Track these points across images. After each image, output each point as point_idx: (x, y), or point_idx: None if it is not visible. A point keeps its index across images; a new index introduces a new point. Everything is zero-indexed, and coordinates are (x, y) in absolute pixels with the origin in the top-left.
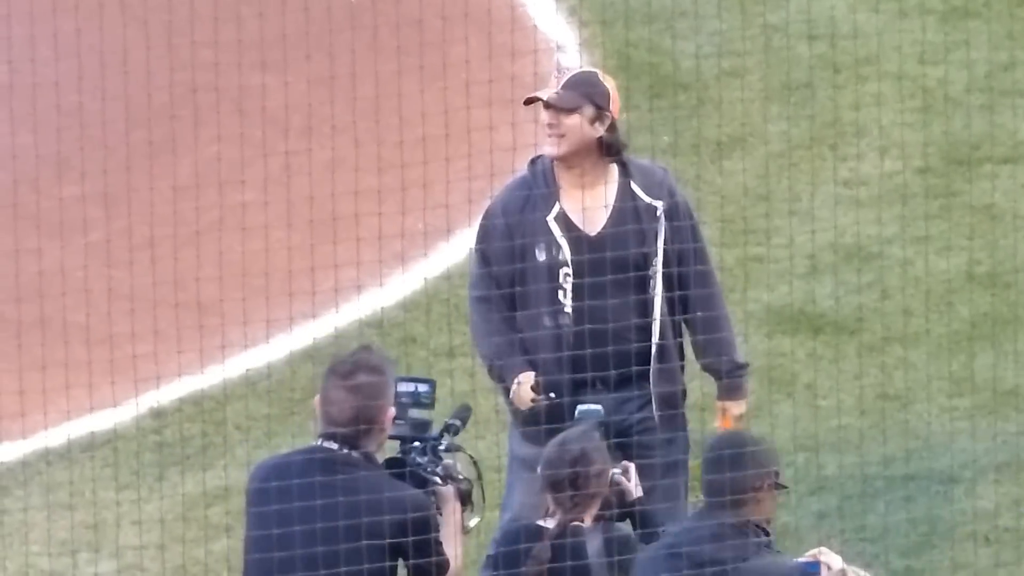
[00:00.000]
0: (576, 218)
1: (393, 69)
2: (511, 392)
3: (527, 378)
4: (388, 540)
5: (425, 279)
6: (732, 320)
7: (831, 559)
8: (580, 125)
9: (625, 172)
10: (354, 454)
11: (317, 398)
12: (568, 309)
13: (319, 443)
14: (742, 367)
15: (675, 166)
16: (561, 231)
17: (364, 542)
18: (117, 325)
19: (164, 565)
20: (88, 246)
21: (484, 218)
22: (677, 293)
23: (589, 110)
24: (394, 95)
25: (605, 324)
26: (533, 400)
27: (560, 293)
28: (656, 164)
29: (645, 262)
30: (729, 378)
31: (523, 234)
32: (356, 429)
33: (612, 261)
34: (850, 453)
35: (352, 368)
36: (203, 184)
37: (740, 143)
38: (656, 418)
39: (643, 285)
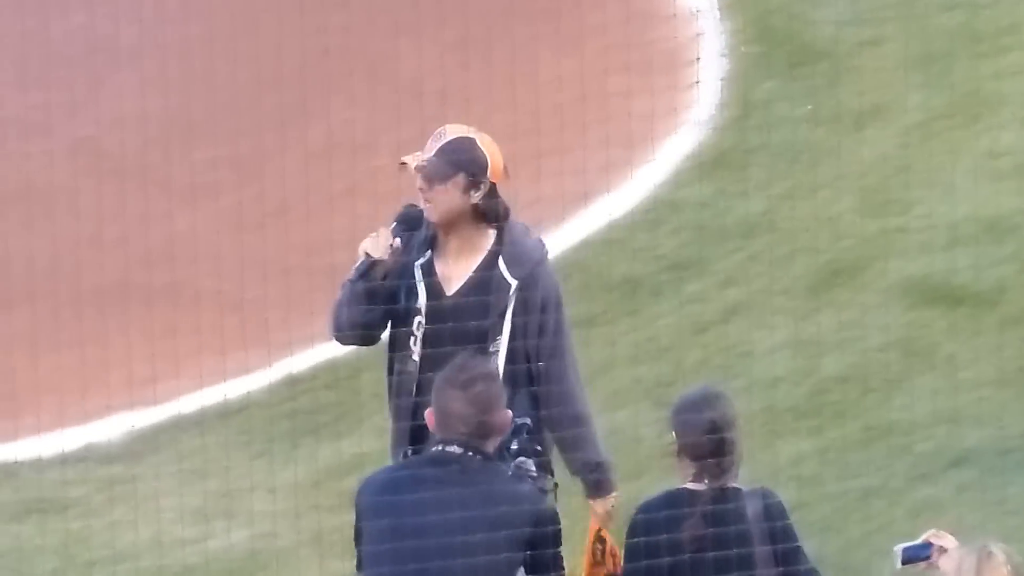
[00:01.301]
0: (440, 270)
1: (529, 34)
2: (364, 251)
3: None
4: (520, 532)
5: (562, 247)
6: (589, 412)
7: (945, 541)
8: (451, 195)
9: (499, 241)
10: (478, 457)
11: (429, 411)
12: (416, 356)
13: (440, 449)
14: (602, 464)
15: (815, 136)
16: (423, 279)
17: (501, 534)
18: (250, 291)
19: (299, 534)
20: (220, 211)
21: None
22: (532, 366)
23: (461, 179)
24: (530, 60)
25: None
26: (391, 246)
27: (411, 340)
28: (534, 238)
29: (486, 335)
30: (591, 475)
31: (397, 275)
32: (477, 433)
33: (458, 328)
34: (991, 425)
35: (470, 378)
36: (336, 150)
37: (880, 113)
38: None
39: (488, 356)
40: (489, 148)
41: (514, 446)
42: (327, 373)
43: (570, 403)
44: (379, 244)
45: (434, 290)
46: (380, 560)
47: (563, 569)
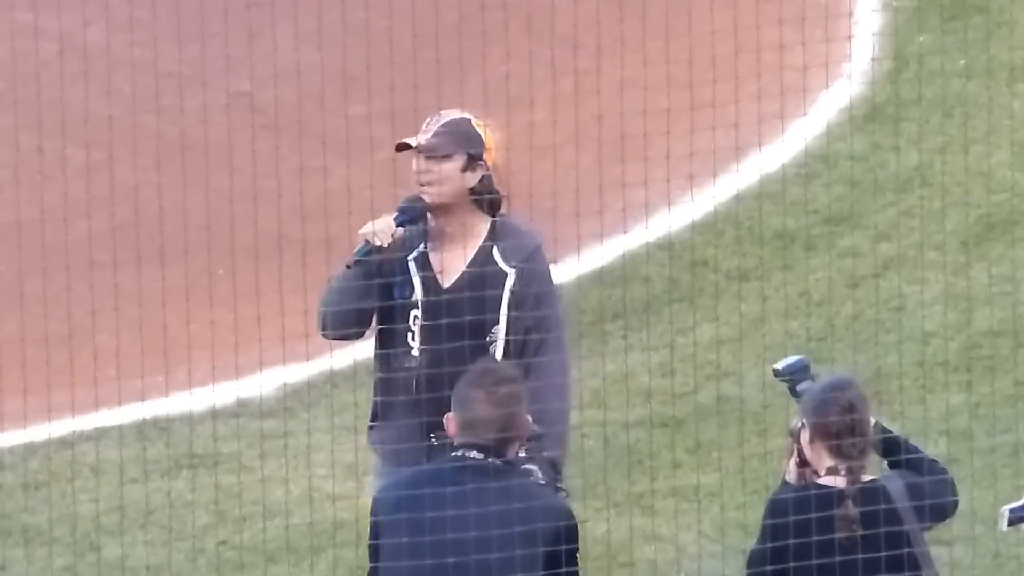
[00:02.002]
0: (435, 264)
1: None
2: (364, 237)
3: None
4: (543, 549)
5: (715, 201)
6: (565, 408)
7: None
8: (451, 174)
9: (492, 232)
10: (499, 462)
11: (449, 416)
12: (415, 352)
13: (460, 453)
14: (555, 463)
15: (968, 90)
16: (418, 273)
17: (521, 551)
18: None
19: None
20: (374, 166)
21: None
22: (526, 361)
23: (461, 158)
24: (684, 13)
25: (449, 381)
26: (393, 235)
27: (409, 335)
28: (530, 228)
29: (483, 329)
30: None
31: (391, 271)
32: (500, 438)
33: (453, 323)
34: None
35: (495, 380)
36: (491, 104)
37: None
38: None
39: (483, 350)
40: (485, 130)
41: (522, 452)
42: None
43: (550, 399)
44: (383, 232)
45: (430, 284)
46: (401, 573)
47: None
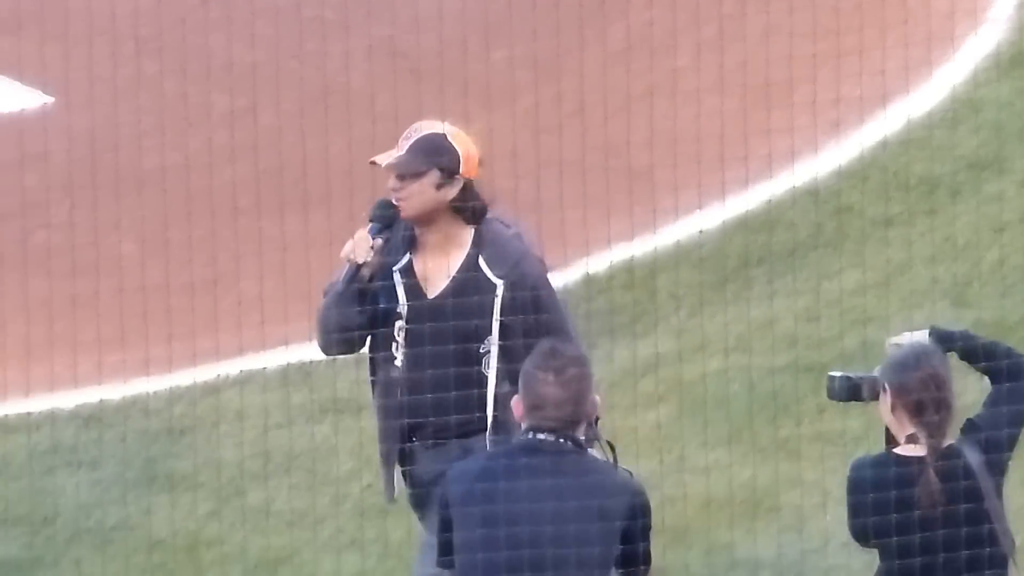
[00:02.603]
0: (420, 273)
1: None
2: (346, 258)
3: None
4: (619, 523)
5: (861, 147)
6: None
7: None
8: (423, 191)
9: (478, 241)
10: (570, 444)
11: (516, 399)
12: (398, 362)
13: (531, 436)
14: None
15: None
16: (403, 282)
17: (598, 525)
18: (546, 191)
19: None
20: (517, 112)
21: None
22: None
23: (435, 175)
24: None
25: (431, 388)
26: (372, 247)
27: (394, 345)
28: (515, 232)
29: (476, 335)
30: None
31: (378, 277)
32: (569, 419)
33: (443, 330)
34: None
35: (563, 363)
36: (635, 50)
37: None
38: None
39: (476, 357)
40: (462, 144)
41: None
42: (624, 273)
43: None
44: (360, 248)
45: (414, 292)
46: (473, 546)
47: (651, 563)
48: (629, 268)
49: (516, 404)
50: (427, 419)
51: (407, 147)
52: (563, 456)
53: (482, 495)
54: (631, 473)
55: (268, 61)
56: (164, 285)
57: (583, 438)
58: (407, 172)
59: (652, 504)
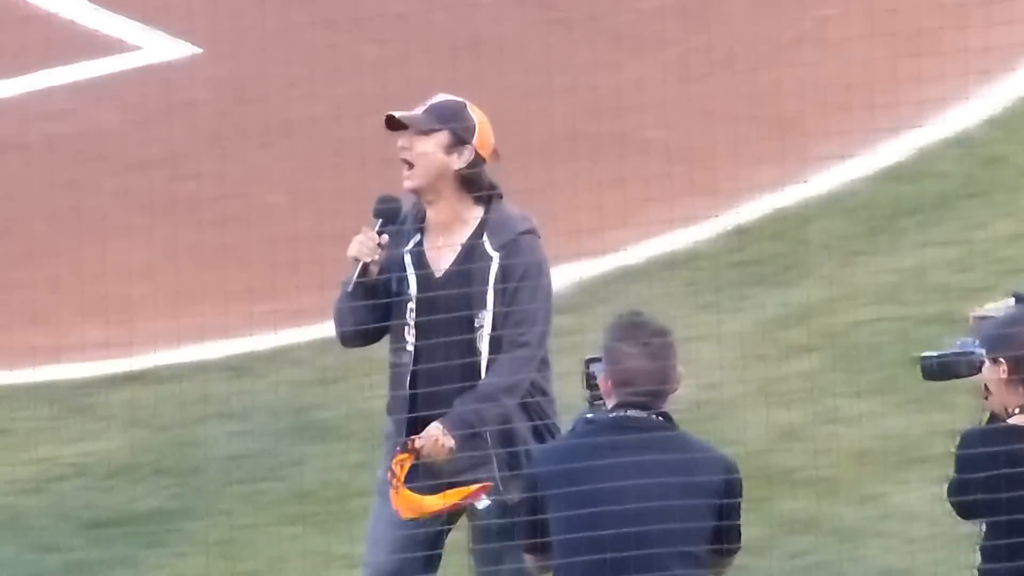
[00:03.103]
0: (430, 256)
1: None
2: (353, 257)
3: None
4: (716, 500)
5: (1013, 96)
6: (509, 386)
7: None
8: (433, 151)
9: (483, 223)
10: (661, 419)
11: (603, 377)
12: (410, 347)
13: (624, 412)
14: (465, 417)
15: None
16: (413, 267)
17: (699, 501)
18: (697, 140)
19: (744, 384)
20: (667, 61)
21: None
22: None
23: (444, 136)
24: None
25: (441, 363)
26: (380, 244)
27: (406, 330)
28: (523, 218)
29: (469, 305)
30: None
31: (388, 268)
32: (658, 391)
33: (449, 300)
34: None
35: (648, 334)
36: None
37: None
38: (494, 459)
39: (472, 329)
40: (479, 117)
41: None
42: (775, 223)
43: (500, 373)
44: (366, 247)
45: (425, 279)
46: (576, 526)
47: (741, 541)
48: (780, 218)
49: (603, 381)
50: (433, 410)
51: (423, 108)
52: (656, 432)
53: (581, 473)
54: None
55: (417, 11)
56: (313, 235)
57: (666, 410)
58: (419, 128)
59: (806, 453)
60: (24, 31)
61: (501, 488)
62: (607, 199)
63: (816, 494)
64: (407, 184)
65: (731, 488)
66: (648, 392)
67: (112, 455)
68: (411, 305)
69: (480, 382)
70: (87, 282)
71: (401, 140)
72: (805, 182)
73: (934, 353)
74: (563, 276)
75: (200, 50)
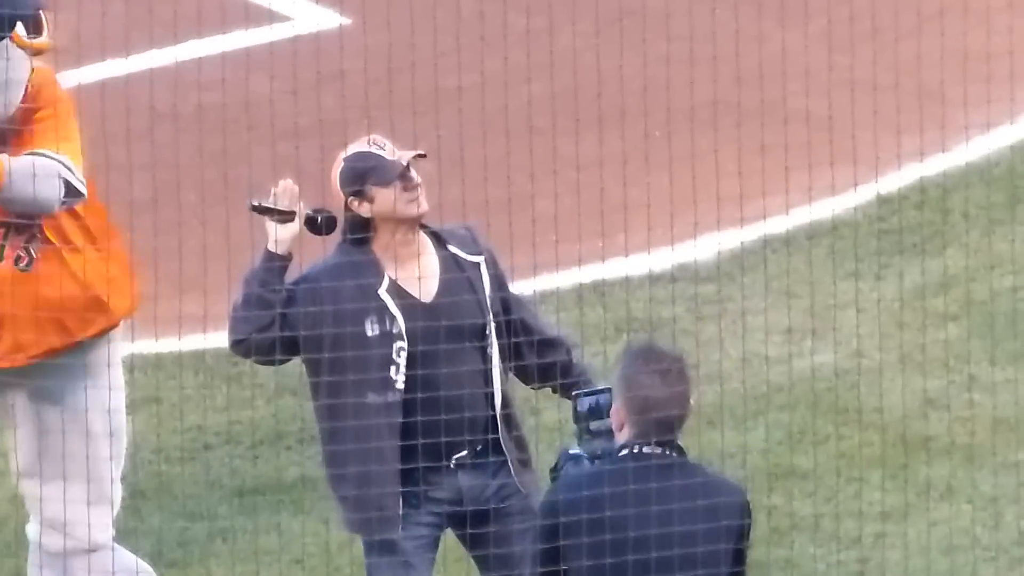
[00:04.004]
0: (409, 287)
1: None
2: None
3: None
4: (732, 546)
5: None
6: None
7: None
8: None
9: (439, 239)
10: (674, 454)
11: (615, 409)
12: (400, 385)
13: (637, 450)
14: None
15: None
16: (393, 300)
17: (723, 546)
18: (838, 110)
19: (886, 353)
20: (811, 31)
21: (303, 281)
22: (512, 340)
23: None
24: None
25: (447, 392)
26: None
27: (392, 368)
28: (458, 225)
29: (482, 331)
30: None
31: (346, 307)
32: (676, 423)
33: (449, 330)
34: None
35: (669, 363)
36: None
37: None
38: (517, 483)
39: (482, 353)
40: None
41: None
42: (916, 192)
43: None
44: (286, 195)
45: (410, 308)
46: (598, 553)
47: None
48: (921, 187)
49: (617, 412)
50: (464, 436)
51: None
52: (676, 472)
53: (602, 501)
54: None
55: None
56: (461, 203)
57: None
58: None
59: (945, 420)
60: (178, 1)
61: (521, 488)
62: (749, 167)
63: (953, 463)
64: (424, 209)
65: (748, 532)
66: (666, 421)
67: (259, 424)
68: (400, 344)
69: (565, 359)
70: (238, 251)
71: (414, 178)
72: (948, 152)
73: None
74: (705, 245)
75: (348, 21)
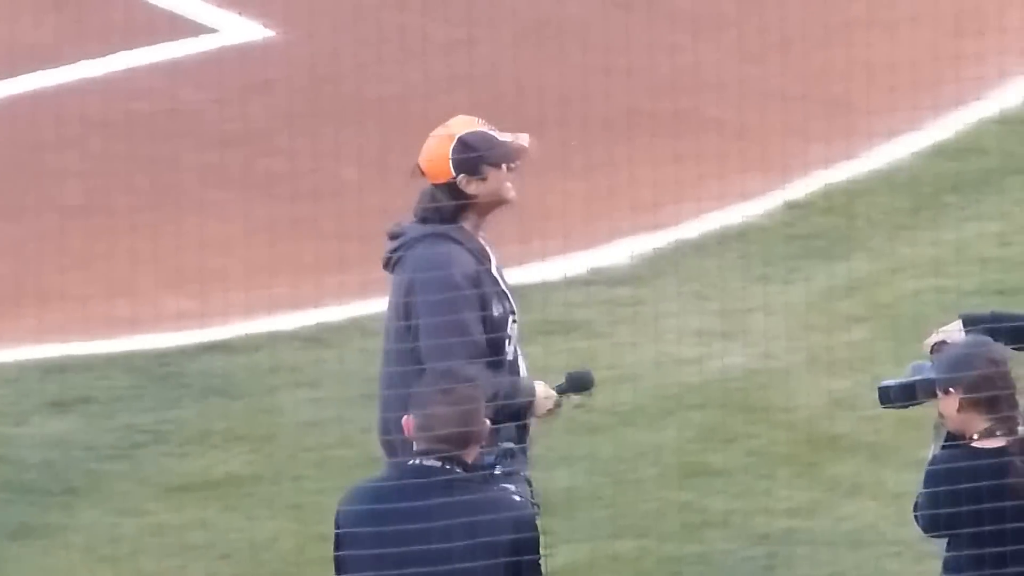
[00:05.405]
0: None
1: None
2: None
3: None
4: (504, 559)
5: None
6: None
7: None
8: None
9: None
10: (457, 469)
11: (407, 418)
12: (510, 358)
13: (417, 461)
14: None
15: None
16: (502, 282)
17: (483, 562)
18: (749, 118)
19: (794, 354)
20: (722, 43)
21: (458, 267)
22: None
23: None
24: None
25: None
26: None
27: (507, 342)
28: None
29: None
30: None
31: (482, 287)
32: (458, 443)
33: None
34: None
35: (451, 381)
36: None
37: None
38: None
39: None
40: None
41: (497, 471)
42: (823, 199)
43: None
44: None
45: (510, 291)
46: (361, 568)
47: None
48: (829, 193)
49: (407, 423)
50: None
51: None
52: (452, 488)
53: (369, 517)
54: (538, 509)
55: None
56: (382, 209)
57: (471, 462)
58: None
59: (853, 419)
60: (108, 13)
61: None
62: (663, 175)
63: (860, 459)
64: (515, 197)
65: (522, 547)
66: (447, 439)
67: (188, 422)
68: (512, 318)
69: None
70: (165, 255)
71: (519, 163)
72: (854, 159)
73: (892, 381)
74: (620, 250)
75: (273, 33)
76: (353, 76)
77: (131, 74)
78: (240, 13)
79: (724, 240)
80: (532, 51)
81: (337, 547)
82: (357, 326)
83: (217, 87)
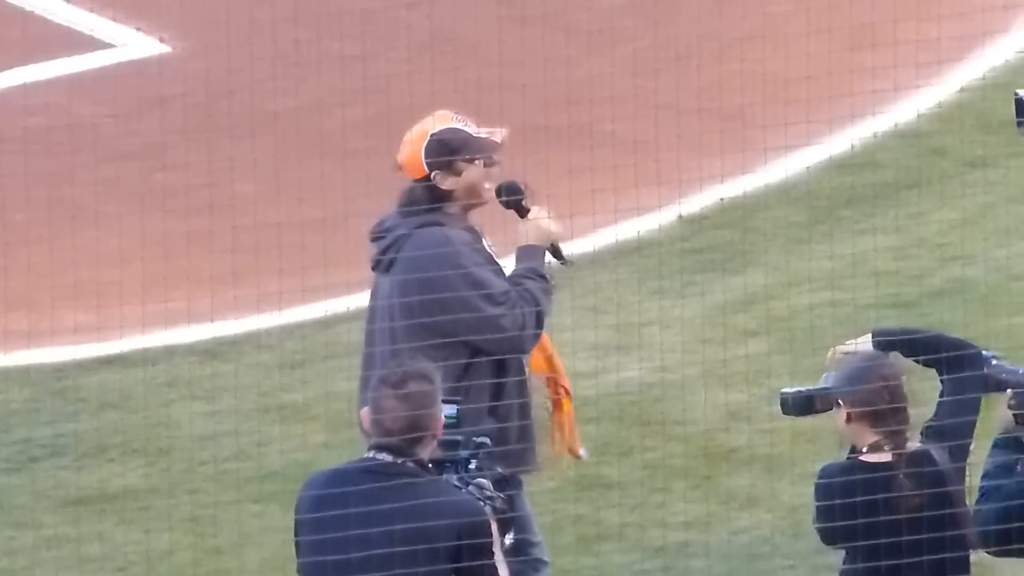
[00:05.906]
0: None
1: None
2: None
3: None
4: (445, 545)
5: (951, 89)
6: None
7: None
8: None
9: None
10: (409, 464)
11: (365, 411)
12: None
13: (371, 455)
14: None
15: None
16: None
17: (422, 547)
18: (645, 132)
19: (689, 368)
20: (617, 57)
21: (459, 242)
22: None
23: None
24: None
25: None
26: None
27: None
28: None
29: None
30: None
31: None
32: (409, 438)
33: None
34: None
35: (403, 377)
36: None
37: None
38: None
39: None
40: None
41: (472, 465)
42: (717, 213)
43: None
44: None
45: None
46: (311, 554)
47: None
48: (725, 207)
49: (364, 416)
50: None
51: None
52: (397, 479)
53: (323, 505)
54: (486, 491)
55: (378, 8)
56: (277, 224)
57: (425, 456)
58: None
59: (748, 433)
60: (4, 29)
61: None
62: (558, 190)
63: (754, 473)
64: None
65: (467, 531)
66: (399, 434)
67: (85, 436)
68: None
69: None
70: (61, 269)
71: (498, 157)
72: (749, 173)
73: (792, 389)
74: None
75: (170, 48)
76: (248, 91)
77: (28, 89)
78: (137, 28)
79: (619, 254)
80: (426, 66)
81: (296, 532)
82: (252, 340)
83: (113, 102)
